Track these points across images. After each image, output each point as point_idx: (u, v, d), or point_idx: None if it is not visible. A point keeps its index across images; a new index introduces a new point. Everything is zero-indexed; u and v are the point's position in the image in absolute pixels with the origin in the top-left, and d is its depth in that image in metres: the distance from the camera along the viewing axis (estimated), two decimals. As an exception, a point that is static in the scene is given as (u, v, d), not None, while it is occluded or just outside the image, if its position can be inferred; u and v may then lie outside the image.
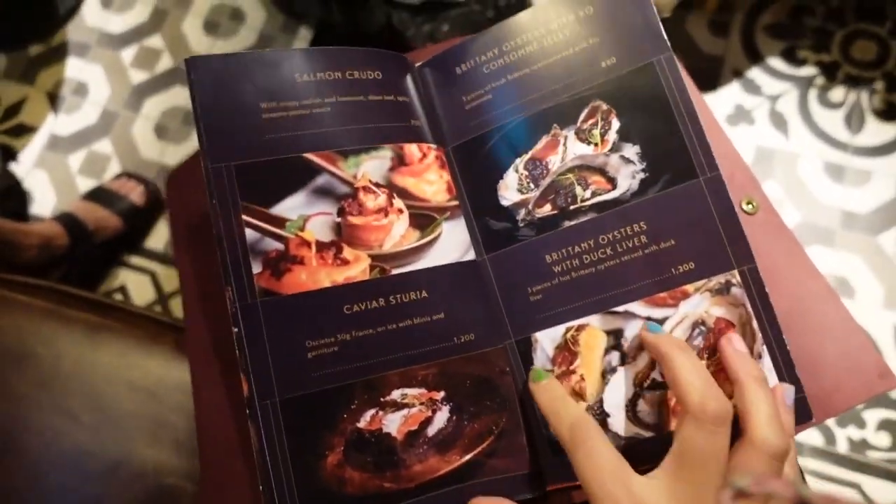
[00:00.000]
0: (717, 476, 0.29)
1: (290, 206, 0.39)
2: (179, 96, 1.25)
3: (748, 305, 0.36)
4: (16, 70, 1.30)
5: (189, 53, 1.27)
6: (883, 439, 0.94)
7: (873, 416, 0.95)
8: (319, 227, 0.39)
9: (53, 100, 1.27)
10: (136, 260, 1.16)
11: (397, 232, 0.39)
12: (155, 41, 1.29)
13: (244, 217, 0.38)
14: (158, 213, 1.17)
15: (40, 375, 0.56)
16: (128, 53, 1.29)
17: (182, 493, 0.52)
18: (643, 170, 0.39)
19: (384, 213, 0.40)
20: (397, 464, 0.36)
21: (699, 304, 0.36)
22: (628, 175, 0.39)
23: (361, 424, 0.36)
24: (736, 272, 0.36)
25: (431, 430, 0.37)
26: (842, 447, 0.94)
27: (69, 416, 0.55)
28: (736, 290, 0.36)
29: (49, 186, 1.22)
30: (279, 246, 0.38)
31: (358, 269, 0.38)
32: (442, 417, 0.37)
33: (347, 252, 0.39)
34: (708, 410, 0.29)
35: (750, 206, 0.42)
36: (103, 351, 0.58)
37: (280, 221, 0.38)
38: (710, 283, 0.36)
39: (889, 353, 0.96)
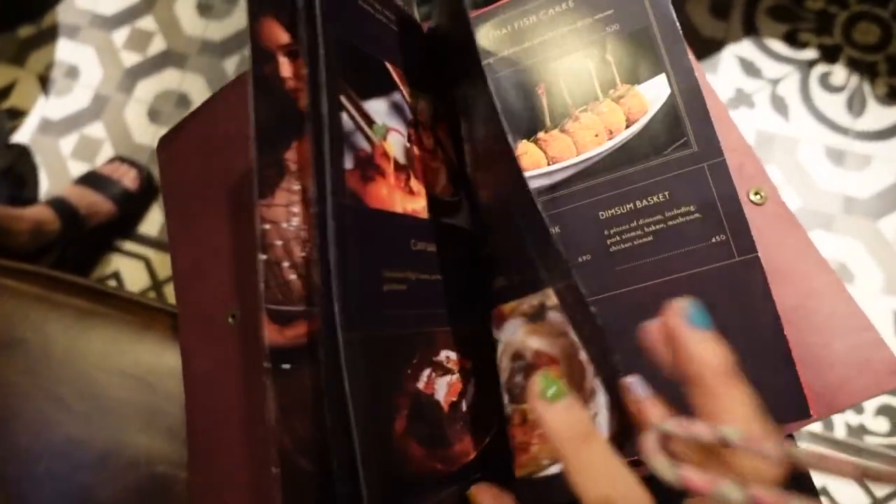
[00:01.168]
0: None
1: (376, 110, 0.33)
2: (172, 79, 1.23)
3: (571, 333, 0.28)
4: (6, 52, 1.28)
5: (182, 35, 1.25)
6: (881, 424, 0.94)
7: (872, 401, 0.95)
8: (396, 145, 0.34)
9: (44, 83, 1.25)
10: (129, 246, 1.15)
11: (440, 182, 0.36)
12: (147, 23, 1.27)
13: (343, 99, 0.31)
14: (152, 197, 1.16)
15: (30, 362, 0.55)
16: (119, 35, 1.27)
17: (174, 482, 0.51)
18: None
19: (437, 157, 0.36)
20: (443, 440, 0.30)
21: (514, 330, 0.29)
22: None
23: (420, 385, 0.30)
24: (551, 291, 0.28)
25: (464, 405, 0.31)
26: (840, 432, 0.94)
27: (60, 403, 0.54)
28: (553, 316, 0.28)
29: (41, 171, 1.20)
30: (367, 147, 0.32)
31: (420, 203, 0.33)
32: (471, 391, 0.31)
33: (414, 183, 0.34)
34: None
35: (758, 196, 0.41)
36: (94, 337, 0.57)
37: (369, 120, 0.32)
38: (523, 306, 0.29)
39: (889, 339, 0.95)
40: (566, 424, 0.24)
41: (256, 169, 0.29)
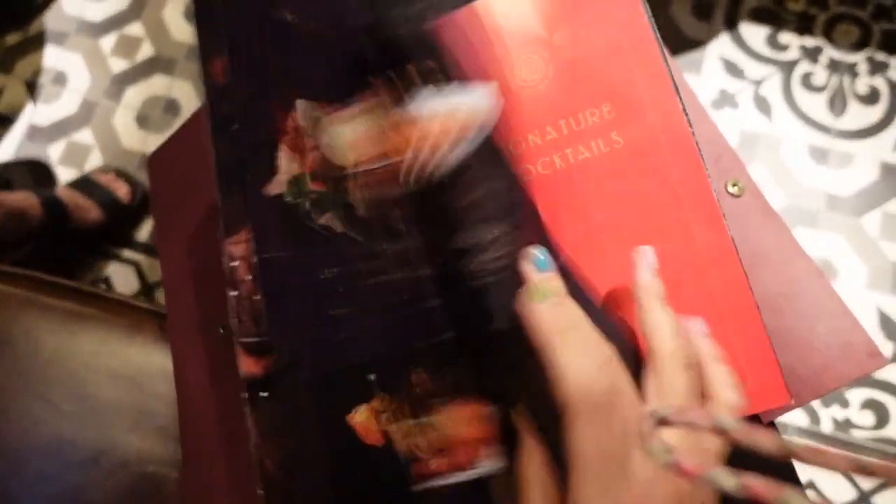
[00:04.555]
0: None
1: None
2: (160, 85, 1.23)
3: None
4: (-8, 59, 1.28)
5: (170, 41, 1.25)
6: (867, 418, 0.95)
7: (857, 395, 0.96)
8: None
9: (32, 89, 1.25)
10: (119, 251, 1.14)
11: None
12: (135, 29, 1.27)
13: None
14: (142, 213, 1.15)
15: (19, 364, 0.55)
16: (107, 41, 1.27)
17: (164, 481, 0.52)
18: None
19: None
20: None
21: None
22: None
23: None
24: None
25: None
26: (826, 427, 0.95)
27: (49, 404, 0.54)
28: None
29: (28, 177, 1.20)
30: None
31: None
32: None
33: None
34: (677, 359, 0.29)
35: (735, 187, 0.42)
36: (83, 339, 0.57)
37: None
38: None
39: (874, 333, 0.96)
40: (552, 319, 0.28)
41: (221, 207, 0.31)
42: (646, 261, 0.32)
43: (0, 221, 0.97)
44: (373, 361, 0.31)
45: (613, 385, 0.27)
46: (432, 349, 0.31)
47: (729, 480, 0.20)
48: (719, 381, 0.30)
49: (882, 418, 0.94)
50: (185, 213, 0.45)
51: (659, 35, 0.37)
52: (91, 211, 1.09)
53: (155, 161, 0.49)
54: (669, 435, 0.28)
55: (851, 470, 0.20)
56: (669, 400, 0.28)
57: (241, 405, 0.31)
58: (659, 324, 0.30)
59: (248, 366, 0.30)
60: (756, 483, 0.20)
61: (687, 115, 0.36)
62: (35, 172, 1.20)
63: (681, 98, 0.36)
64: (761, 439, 0.22)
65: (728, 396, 0.30)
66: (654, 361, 0.29)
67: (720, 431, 0.22)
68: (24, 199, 1.02)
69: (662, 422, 0.24)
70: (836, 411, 0.95)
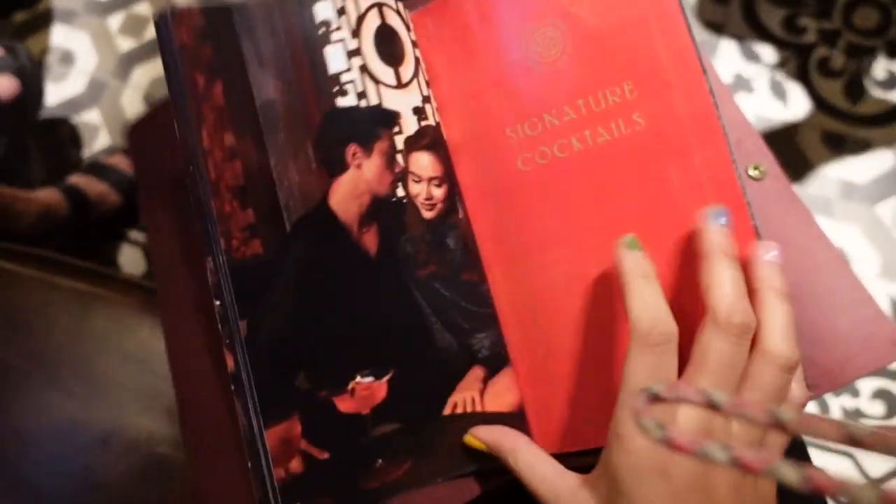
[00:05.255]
0: (733, 386, 0.29)
1: None
2: (169, 65, 1.22)
3: None
4: (0, 37, 1.27)
5: (178, 20, 1.24)
6: (877, 408, 0.94)
7: (868, 385, 0.95)
8: None
9: (39, 68, 1.24)
10: (127, 232, 1.14)
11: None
12: (142, 8, 1.26)
13: None
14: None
15: (31, 345, 0.55)
16: (115, 21, 1.26)
17: (174, 462, 0.52)
18: None
19: None
20: None
21: None
22: None
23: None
24: None
25: None
26: (835, 416, 0.94)
27: (60, 386, 0.54)
28: None
29: (40, 162, 1.19)
30: None
31: None
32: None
33: None
34: (734, 322, 0.29)
35: (757, 171, 0.41)
36: (95, 320, 0.57)
37: None
38: None
39: (885, 323, 0.95)
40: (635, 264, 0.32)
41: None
42: (719, 220, 0.32)
43: (33, 219, 0.98)
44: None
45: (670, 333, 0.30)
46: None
47: (722, 453, 0.20)
48: (771, 331, 0.30)
49: (892, 408, 0.94)
50: (169, 190, 0.44)
51: (684, 7, 0.36)
52: (109, 195, 1.09)
53: (136, 132, 0.46)
54: None
55: (843, 439, 0.20)
56: (709, 360, 0.29)
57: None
58: (720, 282, 0.30)
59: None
60: (748, 455, 0.19)
61: (713, 94, 0.35)
62: (45, 152, 1.20)
63: (707, 76, 0.35)
64: (752, 413, 0.21)
65: (778, 347, 0.30)
66: (707, 321, 0.30)
67: (712, 407, 0.22)
68: (49, 195, 1.03)
69: (654, 398, 0.23)
70: (847, 401, 0.95)
